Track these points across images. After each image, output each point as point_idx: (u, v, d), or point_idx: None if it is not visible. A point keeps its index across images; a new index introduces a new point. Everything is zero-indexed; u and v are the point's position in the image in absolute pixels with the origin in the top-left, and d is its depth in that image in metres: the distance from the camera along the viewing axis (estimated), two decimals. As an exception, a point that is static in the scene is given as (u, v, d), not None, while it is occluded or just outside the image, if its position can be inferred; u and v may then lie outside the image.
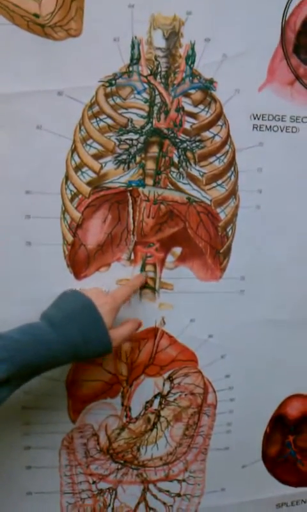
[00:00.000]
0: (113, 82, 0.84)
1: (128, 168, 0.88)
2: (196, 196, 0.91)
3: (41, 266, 0.88)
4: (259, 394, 1.04)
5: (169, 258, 0.94)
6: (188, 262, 0.94)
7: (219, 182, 0.91)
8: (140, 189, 0.89)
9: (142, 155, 0.88)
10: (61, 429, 0.98)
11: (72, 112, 0.84)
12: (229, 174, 0.91)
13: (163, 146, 0.88)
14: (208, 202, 0.92)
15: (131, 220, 0.90)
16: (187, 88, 0.86)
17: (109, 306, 0.81)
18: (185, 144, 0.89)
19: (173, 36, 0.83)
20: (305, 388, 1.07)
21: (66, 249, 0.89)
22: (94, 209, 0.89)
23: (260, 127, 0.90)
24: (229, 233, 0.94)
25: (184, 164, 0.90)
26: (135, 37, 0.82)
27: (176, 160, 0.89)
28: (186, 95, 0.87)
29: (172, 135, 0.88)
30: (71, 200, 0.88)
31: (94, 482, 1.02)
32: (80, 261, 0.90)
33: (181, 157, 0.89)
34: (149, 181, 0.89)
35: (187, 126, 0.88)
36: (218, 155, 0.90)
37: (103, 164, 0.87)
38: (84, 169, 0.87)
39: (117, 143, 0.87)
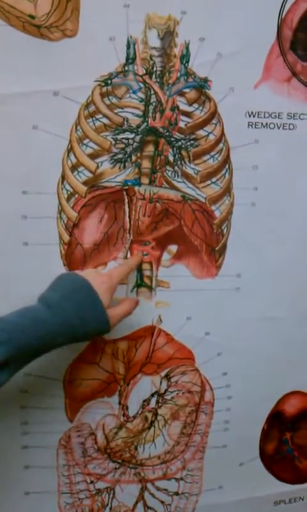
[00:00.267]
0: (109, 81, 0.84)
1: (124, 167, 0.88)
2: (190, 194, 0.92)
3: (38, 266, 0.88)
4: (256, 392, 1.05)
5: (165, 256, 0.94)
6: (184, 259, 0.95)
7: (214, 179, 0.92)
8: (136, 187, 0.90)
9: (138, 154, 0.88)
10: (59, 429, 0.98)
11: (68, 112, 0.85)
12: (223, 172, 0.92)
13: (158, 145, 0.89)
14: (203, 200, 0.92)
15: (127, 219, 0.91)
16: (182, 87, 0.87)
17: (105, 285, 0.80)
18: (180, 143, 0.89)
19: (167, 35, 0.84)
20: (302, 385, 1.08)
21: (62, 248, 0.89)
22: (90, 208, 0.89)
23: (256, 125, 0.91)
24: (225, 230, 0.95)
25: (179, 162, 0.90)
26: (131, 37, 0.83)
27: (171, 158, 0.90)
28: (181, 94, 0.87)
29: (167, 134, 0.88)
30: (68, 199, 0.88)
31: (92, 482, 1.02)
32: (77, 260, 0.90)
33: (177, 156, 0.90)
34: (145, 180, 0.90)
35: (181, 125, 0.89)
36: (212, 153, 0.91)
37: (100, 164, 0.87)
38: (80, 168, 0.87)
39: (113, 142, 0.87)
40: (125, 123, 0.87)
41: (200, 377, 1.01)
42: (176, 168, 0.90)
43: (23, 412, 0.95)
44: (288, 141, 0.93)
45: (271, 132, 0.91)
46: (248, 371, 1.02)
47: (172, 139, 0.89)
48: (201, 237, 0.94)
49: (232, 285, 0.97)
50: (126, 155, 0.88)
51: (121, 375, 0.98)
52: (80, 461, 1.00)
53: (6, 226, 0.86)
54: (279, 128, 0.92)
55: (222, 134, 0.90)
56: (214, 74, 0.87)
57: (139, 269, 0.93)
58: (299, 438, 1.11)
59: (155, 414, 1.01)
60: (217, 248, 0.95)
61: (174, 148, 0.89)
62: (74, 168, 0.87)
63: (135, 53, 0.84)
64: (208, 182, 0.92)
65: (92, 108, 0.85)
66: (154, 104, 0.87)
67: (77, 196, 0.88)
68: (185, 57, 0.86)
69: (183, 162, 0.90)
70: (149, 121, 0.88)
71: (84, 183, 0.88)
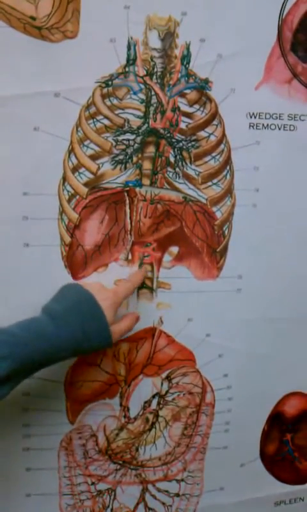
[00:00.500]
0: (110, 83, 0.84)
1: (125, 168, 0.88)
2: (191, 195, 0.92)
3: (39, 267, 0.88)
4: (257, 393, 1.05)
5: (166, 258, 0.94)
6: (186, 261, 0.95)
7: (215, 181, 0.92)
8: (137, 189, 0.90)
9: (139, 156, 0.88)
10: (60, 430, 0.98)
11: (69, 114, 0.84)
12: (224, 173, 0.92)
13: (159, 146, 0.89)
14: (204, 201, 0.92)
15: (128, 220, 0.91)
16: (183, 88, 0.87)
17: (110, 301, 0.80)
18: (180, 144, 0.89)
19: (168, 36, 0.84)
20: (302, 385, 1.08)
21: (63, 250, 0.89)
22: (91, 210, 0.89)
23: (257, 126, 0.91)
24: (226, 232, 0.95)
25: (180, 163, 0.90)
26: (131, 38, 0.83)
27: (172, 160, 0.90)
28: (182, 95, 0.87)
29: (168, 135, 0.88)
30: (69, 200, 0.88)
31: (93, 483, 1.02)
32: (78, 262, 0.90)
33: (178, 157, 0.90)
34: (146, 181, 0.90)
35: (182, 126, 0.89)
36: (213, 154, 0.91)
37: (101, 165, 0.87)
38: (81, 170, 0.87)
39: (114, 143, 0.87)
40: (126, 124, 0.87)
41: (201, 378, 1.01)
42: (177, 169, 0.90)
43: (24, 414, 0.95)
44: (289, 142, 0.93)
45: (272, 133, 0.91)
46: (249, 372, 1.02)
47: (173, 140, 0.89)
48: (202, 239, 0.94)
49: (233, 287, 0.97)
50: (127, 157, 0.88)
51: (122, 376, 0.98)
52: (82, 463, 1.00)
53: (6, 227, 0.86)
54: (280, 129, 0.92)
55: (223, 135, 0.90)
56: (215, 75, 0.87)
57: (141, 270, 0.93)
58: (299, 439, 1.11)
59: (156, 415, 1.01)
60: (218, 250, 0.95)
61: (175, 149, 0.89)
62: (75, 169, 0.87)
63: (135, 54, 0.84)
64: (209, 183, 0.92)
65: (93, 109, 0.85)
66: (155, 105, 0.87)
67: (78, 197, 0.88)
68: (185, 58, 0.86)
69: (184, 164, 0.90)
70: (150, 123, 0.87)
71: (85, 184, 0.88)
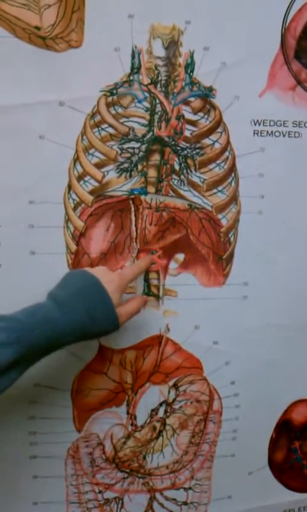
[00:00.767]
0: (114, 91, 0.85)
1: (130, 176, 0.89)
2: (197, 202, 0.92)
3: (45, 275, 0.87)
4: (264, 400, 1.04)
5: (172, 265, 0.94)
6: (192, 268, 0.95)
7: (220, 188, 0.92)
8: (142, 196, 0.90)
9: (144, 163, 0.89)
10: (67, 439, 0.98)
11: (74, 122, 0.85)
12: (229, 180, 0.92)
13: (164, 154, 0.89)
14: (210, 208, 0.92)
15: (134, 228, 0.91)
16: (187, 96, 0.87)
17: (115, 284, 0.79)
18: (185, 152, 0.90)
19: (172, 45, 0.84)
20: (310, 393, 1.08)
21: (69, 258, 0.90)
22: (97, 218, 0.89)
23: (261, 133, 0.91)
24: (232, 239, 0.95)
25: (185, 171, 0.90)
26: (136, 47, 0.83)
27: (177, 167, 0.90)
28: (186, 103, 0.88)
29: (173, 143, 0.89)
30: (74, 209, 0.88)
31: (100, 492, 1.02)
32: (83, 270, 0.90)
33: (182, 165, 0.90)
34: (151, 189, 0.90)
35: (187, 133, 0.89)
36: (218, 161, 0.91)
37: (106, 173, 0.88)
38: (87, 178, 0.87)
39: (119, 151, 0.87)
40: (131, 132, 0.87)
41: (208, 386, 1.00)
42: (182, 176, 0.90)
43: (31, 422, 0.95)
44: (294, 149, 0.93)
45: (277, 140, 0.92)
46: (256, 380, 1.02)
47: (178, 148, 0.89)
48: (208, 246, 0.94)
49: (240, 294, 0.97)
50: (132, 165, 0.88)
51: (129, 384, 0.97)
52: (89, 471, 1.00)
53: (13, 235, 0.86)
54: (284, 136, 0.92)
55: (228, 142, 0.90)
56: (219, 83, 0.87)
57: (146, 278, 0.93)
58: (308, 447, 1.11)
59: (163, 423, 1.01)
60: (224, 257, 0.95)
61: (180, 157, 0.90)
62: (80, 177, 0.87)
63: (140, 63, 0.84)
64: (215, 190, 0.92)
65: (98, 118, 0.85)
66: (159, 113, 0.87)
67: (83, 205, 0.88)
68: (189, 66, 0.86)
69: (189, 171, 0.90)
70: (155, 131, 0.88)
71: (91, 192, 0.88)
